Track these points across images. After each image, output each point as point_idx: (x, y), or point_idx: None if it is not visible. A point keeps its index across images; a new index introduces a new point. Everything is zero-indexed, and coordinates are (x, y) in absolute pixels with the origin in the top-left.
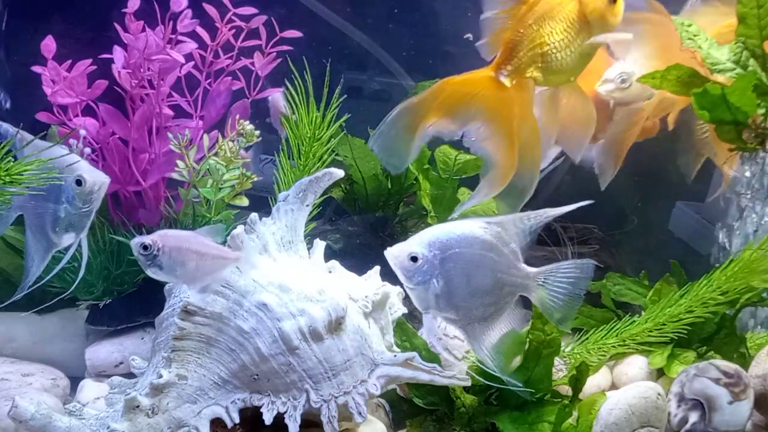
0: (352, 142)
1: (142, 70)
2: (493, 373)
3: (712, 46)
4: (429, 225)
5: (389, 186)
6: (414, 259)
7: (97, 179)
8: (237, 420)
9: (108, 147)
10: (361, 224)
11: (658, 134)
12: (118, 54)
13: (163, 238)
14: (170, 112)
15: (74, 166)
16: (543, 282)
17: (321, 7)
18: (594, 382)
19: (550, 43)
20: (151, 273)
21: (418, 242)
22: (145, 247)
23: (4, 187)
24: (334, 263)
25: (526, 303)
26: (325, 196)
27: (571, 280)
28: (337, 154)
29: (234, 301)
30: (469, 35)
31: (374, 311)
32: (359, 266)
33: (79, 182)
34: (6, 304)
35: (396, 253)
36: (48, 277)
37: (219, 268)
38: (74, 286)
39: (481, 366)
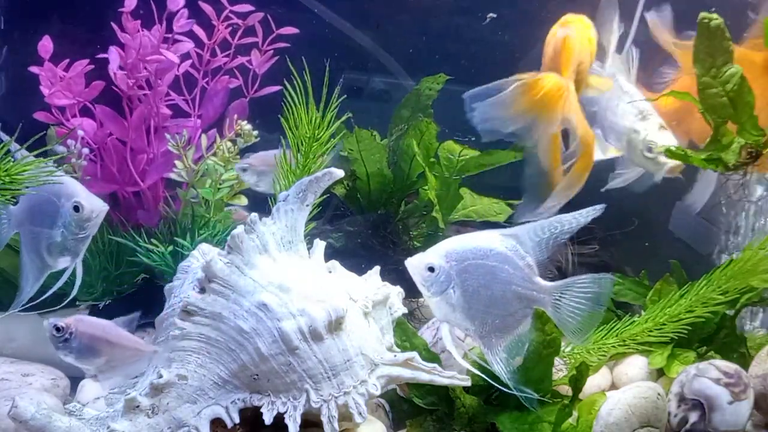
0: (359, 135)
1: (138, 70)
2: (507, 385)
3: (727, 62)
4: (434, 220)
5: (393, 182)
6: (431, 269)
7: (96, 206)
8: (237, 420)
9: (106, 147)
10: (362, 223)
11: None
12: (113, 55)
13: (77, 323)
14: (168, 112)
15: (72, 192)
16: (559, 297)
17: (321, 7)
18: (594, 382)
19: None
20: (62, 355)
21: (435, 253)
22: (57, 329)
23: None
24: (334, 263)
25: None
26: (326, 195)
27: (589, 295)
28: (340, 150)
29: (234, 301)
30: (492, 14)
31: (374, 311)
32: (361, 265)
33: (77, 208)
34: (5, 315)
35: (415, 264)
36: (42, 297)
37: (132, 361)
38: (66, 302)
39: (483, 364)
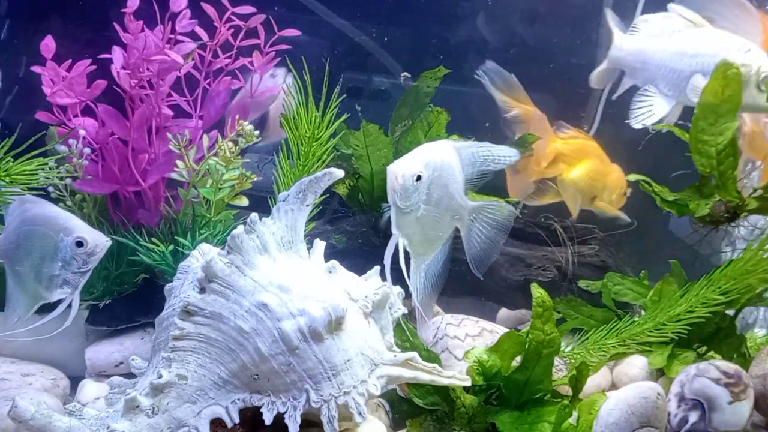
0: (366, 129)
1: (141, 70)
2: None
3: (730, 114)
4: None
5: None
6: (419, 178)
7: (99, 241)
8: (237, 420)
9: (107, 147)
10: (363, 223)
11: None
12: (117, 54)
13: None
14: (170, 112)
15: (72, 227)
16: (474, 218)
17: (321, 7)
18: (594, 382)
19: None
20: None
21: (420, 161)
22: None
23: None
24: (334, 263)
25: (518, 304)
26: (326, 195)
27: (493, 223)
28: (338, 151)
29: (234, 301)
30: (407, 74)
31: (374, 311)
32: (362, 265)
33: (80, 243)
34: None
35: (402, 171)
36: (40, 322)
37: None
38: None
39: (480, 365)
